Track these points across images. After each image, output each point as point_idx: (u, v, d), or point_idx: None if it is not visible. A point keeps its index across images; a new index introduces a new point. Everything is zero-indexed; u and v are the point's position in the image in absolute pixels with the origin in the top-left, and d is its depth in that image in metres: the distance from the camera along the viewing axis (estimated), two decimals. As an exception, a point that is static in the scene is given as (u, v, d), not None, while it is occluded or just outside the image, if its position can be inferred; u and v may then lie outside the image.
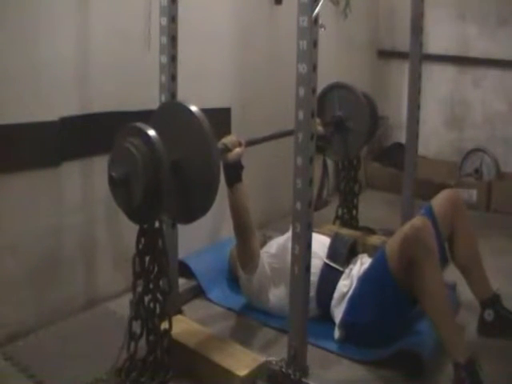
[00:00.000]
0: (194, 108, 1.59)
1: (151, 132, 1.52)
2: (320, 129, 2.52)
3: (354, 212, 2.97)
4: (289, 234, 2.18)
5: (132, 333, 1.65)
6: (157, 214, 1.57)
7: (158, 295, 1.64)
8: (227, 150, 1.88)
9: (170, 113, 1.66)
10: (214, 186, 1.56)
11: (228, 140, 1.91)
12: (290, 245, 2.04)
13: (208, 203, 1.59)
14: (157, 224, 1.60)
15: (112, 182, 1.53)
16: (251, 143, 2.04)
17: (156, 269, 1.62)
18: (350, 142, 2.73)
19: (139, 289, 1.64)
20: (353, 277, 2.03)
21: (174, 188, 1.58)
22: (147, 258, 1.62)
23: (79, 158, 2.16)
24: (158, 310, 1.64)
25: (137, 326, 1.66)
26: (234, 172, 1.93)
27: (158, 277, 1.63)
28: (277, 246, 2.19)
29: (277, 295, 2.10)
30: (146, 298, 1.64)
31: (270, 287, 2.11)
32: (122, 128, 1.58)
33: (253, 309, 2.20)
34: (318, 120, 2.50)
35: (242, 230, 2.02)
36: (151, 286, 1.64)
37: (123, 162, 1.52)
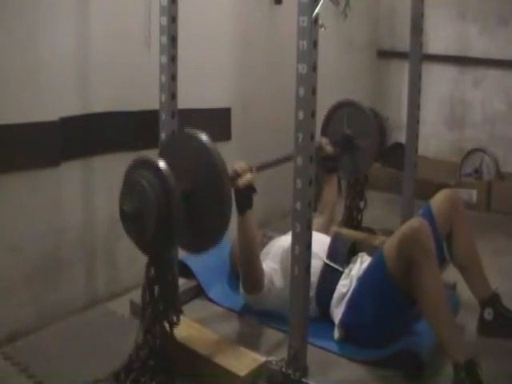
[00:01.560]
0: (204, 138, 1.59)
1: (161, 164, 1.51)
2: (329, 149, 2.54)
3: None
4: (287, 237, 2.18)
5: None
6: (169, 246, 1.57)
7: (166, 326, 1.63)
8: (238, 176, 1.87)
9: (180, 143, 1.66)
10: (226, 216, 1.57)
11: (238, 166, 1.89)
12: (282, 246, 2.06)
13: (221, 233, 1.59)
14: (167, 255, 1.60)
15: (124, 216, 1.53)
16: (262, 168, 2.04)
17: (165, 299, 1.62)
18: (358, 160, 2.73)
19: (147, 317, 1.63)
20: (352, 277, 2.03)
21: (186, 218, 1.56)
22: (156, 288, 1.62)
23: (79, 158, 2.16)
24: (165, 338, 1.64)
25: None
26: (246, 198, 1.90)
27: (166, 308, 1.62)
28: (275, 248, 2.19)
29: (278, 297, 2.09)
30: (154, 327, 1.63)
31: (271, 292, 2.10)
32: (132, 160, 1.58)
33: (253, 309, 2.20)
34: (326, 140, 2.53)
35: (248, 256, 1.97)
36: (159, 315, 1.63)
37: (134, 196, 1.52)
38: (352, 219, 2.95)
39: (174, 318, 1.65)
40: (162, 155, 1.62)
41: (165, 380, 1.65)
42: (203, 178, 1.59)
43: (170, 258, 1.62)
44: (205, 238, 1.63)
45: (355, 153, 2.70)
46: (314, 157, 1.63)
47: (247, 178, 1.87)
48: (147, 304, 1.62)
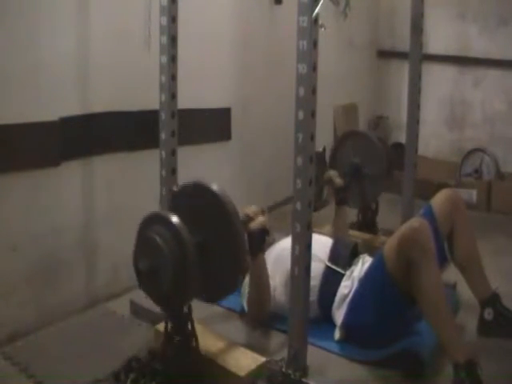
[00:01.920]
0: (215, 187, 1.58)
1: (174, 219, 1.51)
2: (339, 181, 2.55)
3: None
4: (285, 242, 2.18)
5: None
6: (186, 299, 1.57)
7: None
8: (250, 220, 1.88)
9: (191, 194, 1.65)
10: (241, 266, 1.57)
11: (250, 210, 1.91)
12: (281, 249, 2.05)
13: (236, 281, 1.61)
14: (185, 309, 1.60)
15: (139, 273, 1.53)
16: (273, 208, 2.07)
17: (186, 357, 1.62)
18: (368, 188, 2.73)
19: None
20: (354, 278, 2.02)
21: (201, 269, 1.56)
22: (176, 339, 1.62)
23: (79, 158, 2.16)
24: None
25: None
26: (258, 241, 1.90)
27: (187, 359, 1.62)
28: (272, 256, 2.19)
29: (279, 301, 2.09)
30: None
31: (276, 303, 2.10)
32: (145, 217, 1.57)
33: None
34: (335, 173, 2.55)
35: (259, 296, 1.99)
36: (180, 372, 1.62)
37: (149, 253, 1.52)
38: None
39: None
40: (174, 207, 1.62)
41: (165, 381, 1.66)
42: (217, 228, 1.58)
43: (189, 313, 1.61)
44: (220, 288, 1.63)
45: (364, 181, 2.71)
46: (315, 158, 1.64)
47: (259, 221, 1.89)
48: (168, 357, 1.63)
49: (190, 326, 1.63)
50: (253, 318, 2.08)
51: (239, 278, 1.61)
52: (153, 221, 1.55)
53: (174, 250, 1.48)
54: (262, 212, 1.93)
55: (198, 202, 1.61)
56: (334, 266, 2.06)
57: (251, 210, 1.91)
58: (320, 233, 2.25)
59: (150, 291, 1.58)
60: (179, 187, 1.70)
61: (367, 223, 2.89)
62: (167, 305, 1.59)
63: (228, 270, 1.58)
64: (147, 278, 1.53)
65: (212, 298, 1.69)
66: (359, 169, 2.70)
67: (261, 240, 1.91)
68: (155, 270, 1.51)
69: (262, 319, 2.05)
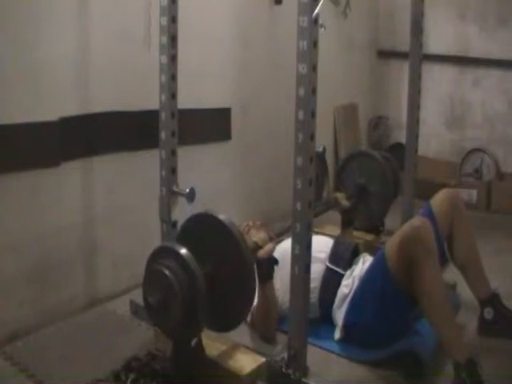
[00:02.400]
0: (222, 218, 1.59)
1: (183, 251, 1.51)
2: (345, 203, 2.57)
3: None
4: (286, 243, 2.18)
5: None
6: (196, 331, 1.57)
7: None
8: (258, 247, 1.89)
9: (199, 224, 1.66)
10: (250, 295, 1.58)
11: (258, 237, 1.92)
12: (281, 251, 2.05)
13: (245, 310, 1.61)
14: (194, 341, 1.60)
15: (149, 307, 1.53)
16: (280, 234, 2.07)
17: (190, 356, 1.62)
18: (374, 208, 2.73)
19: None
20: (354, 277, 2.02)
21: (210, 300, 1.56)
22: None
23: (79, 158, 2.16)
24: None
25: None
26: (267, 268, 1.91)
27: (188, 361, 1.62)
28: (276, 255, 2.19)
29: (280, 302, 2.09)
30: None
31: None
32: (154, 249, 1.57)
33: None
34: (341, 195, 2.58)
35: (266, 322, 1.99)
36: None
37: (158, 286, 1.52)
38: None
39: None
40: (181, 238, 1.63)
41: (165, 380, 1.66)
42: (225, 258, 1.59)
43: (200, 344, 1.62)
44: (230, 317, 1.64)
45: (370, 201, 2.72)
46: (315, 158, 1.64)
47: (268, 248, 1.90)
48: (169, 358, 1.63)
49: (200, 358, 1.62)
50: (256, 331, 2.06)
51: (248, 308, 1.61)
52: (161, 253, 1.55)
53: (183, 282, 1.49)
54: (271, 239, 1.94)
55: (206, 232, 1.62)
56: (334, 267, 2.06)
57: (259, 237, 1.92)
58: (320, 233, 2.25)
59: (160, 324, 1.58)
60: (188, 218, 1.69)
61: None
62: (177, 337, 1.59)
63: (237, 300, 1.60)
64: (157, 311, 1.53)
65: (222, 327, 1.70)
66: (365, 189, 2.71)
67: (269, 268, 1.91)
68: (165, 303, 1.51)
69: (266, 335, 2.04)
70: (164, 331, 1.60)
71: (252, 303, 1.60)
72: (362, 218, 2.76)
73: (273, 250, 1.92)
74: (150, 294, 1.54)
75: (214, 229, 1.60)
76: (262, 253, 1.89)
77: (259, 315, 1.99)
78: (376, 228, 2.82)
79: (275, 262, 1.92)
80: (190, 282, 1.49)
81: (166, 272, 1.49)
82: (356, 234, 2.78)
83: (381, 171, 2.69)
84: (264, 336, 2.03)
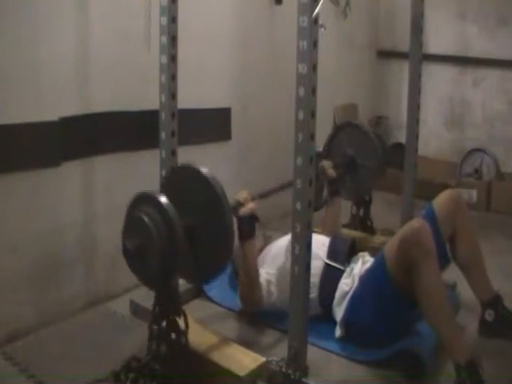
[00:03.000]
0: (204, 170, 1.59)
1: (163, 199, 1.51)
2: (331, 172, 2.54)
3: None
4: (284, 239, 2.18)
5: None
6: (172, 279, 1.58)
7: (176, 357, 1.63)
8: (240, 205, 1.90)
9: (182, 176, 1.66)
10: (228, 249, 1.58)
11: (240, 196, 1.93)
12: (283, 248, 2.06)
13: (223, 264, 1.61)
14: (173, 288, 1.61)
15: (127, 253, 1.53)
16: (263, 196, 2.07)
17: (174, 335, 1.62)
18: (361, 180, 2.72)
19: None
20: (354, 276, 2.03)
21: (189, 251, 1.58)
22: (164, 323, 1.62)
23: (79, 158, 2.16)
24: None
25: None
26: (247, 228, 1.93)
27: (177, 339, 1.62)
28: (270, 254, 2.19)
29: (278, 300, 2.09)
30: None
31: (270, 296, 2.10)
32: (134, 196, 1.58)
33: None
34: (328, 163, 2.53)
35: (248, 282, 2.00)
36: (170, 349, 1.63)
37: (137, 232, 1.52)
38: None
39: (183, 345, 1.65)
40: (164, 189, 1.63)
41: (165, 380, 1.66)
42: (205, 211, 1.59)
43: (176, 291, 1.63)
44: (208, 270, 1.64)
45: (358, 173, 2.70)
46: (315, 158, 1.64)
47: (249, 207, 1.91)
48: (155, 339, 1.63)
49: (177, 307, 1.62)
50: (245, 305, 2.08)
51: (226, 262, 1.60)
52: (142, 200, 1.55)
53: (162, 230, 1.49)
54: (253, 198, 1.95)
55: (188, 184, 1.62)
56: (332, 263, 2.07)
57: (242, 196, 1.93)
58: (318, 233, 2.25)
59: (137, 270, 1.58)
60: (170, 170, 1.69)
61: (361, 217, 2.89)
62: (154, 285, 1.59)
63: (215, 254, 1.59)
64: (135, 257, 1.53)
65: (199, 280, 1.71)
66: (353, 160, 2.69)
67: (250, 226, 1.93)
68: (143, 249, 1.51)
69: (254, 305, 2.05)
70: (140, 278, 1.59)
71: (229, 258, 1.60)
72: (350, 189, 2.75)
73: (254, 208, 1.93)
74: (128, 239, 1.53)
75: (196, 182, 1.60)
76: (243, 210, 1.90)
77: (241, 276, 2.00)
78: (363, 201, 2.83)
79: (256, 219, 1.93)
80: (168, 230, 1.49)
81: (145, 219, 1.49)
82: (350, 232, 2.78)
83: (370, 144, 2.67)
84: (249, 305, 2.05)
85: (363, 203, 2.86)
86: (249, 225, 1.93)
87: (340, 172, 2.63)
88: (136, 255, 1.52)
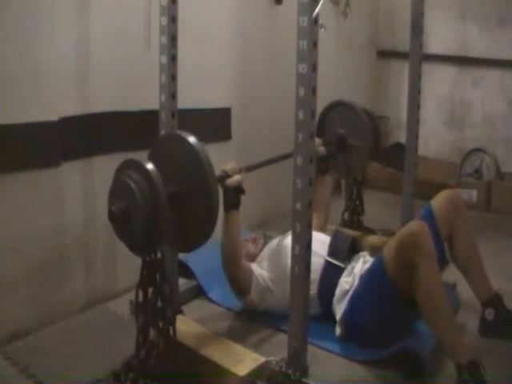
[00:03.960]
0: (191, 139, 1.61)
1: (149, 166, 1.53)
2: (321, 149, 2.53)
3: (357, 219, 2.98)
4: (282, 237, 2.18)
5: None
6: (157, 245, 1.59)
7: (163, 325, 1.63)
8: (227, 176, 1.92)
9: (169, 144, 1.69)
10: (212, 217, 1.59)
11: (228, 167, 1.95)
12: (284, 246, 2.06)
13: (207, 234, 1.62)
14: (158, 255, 1.62)
15: (112, 216, 1.55)
16: (251, 169, 2.09)
17: (159, 299, 1.63)
18: (353, 159, 2.73)
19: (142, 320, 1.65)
20: (355, 275, 2.03)
21: (174, 219, 1.60)
22: (150, 290, 1.63)
23: (79, 158, 2.16)
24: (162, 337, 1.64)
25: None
26: (233, 198, 1.95)
27: (162, 307, 1.63)
28: (270, 251, 2.19)
29: (279, 298, 2.09)
30: (149, 327, 1.64)
31: (270, 294, 2.11)
32: (122, 161, 1.60)
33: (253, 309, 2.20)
34: (318, 140, 2.51)
35: (231, 254, 2.00)
36: (155, 316, 1.64)
37: (122, 196, 1.54)
38: (352, 221, 2.96)
39: (169, 316, 1.65)
40: (152, 156, 1.65)
41: (165, 380, 1.66)
42: (190, 179, 1.61)
43: (162, 259, 1.62)
44: (192, 238, 1.66)
45: (349, 152, 2.70)
46: (315, 158, 1.64)
47: (236, 178, 1.93)
48: (141, 305, 1.64)
49: (162, 274, 1.63)
50: (232, 285, 2.08)
51: (209, 230, 1.61)
52: (129, 166, 1.57)
53: (147, 196, 1.51)
54: (240, 170, 1.97)
55: (175, 152, 1.64)
56: (333, 260, 2.07)
57: (229, 167, 1.95)
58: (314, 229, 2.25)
59: (122, 235, 1.59)
60: (159, 137, 1.71)
61: (353, 199, 2.93)
62: (138, 250, 1.61)
63: (200, 222, 1.61)
64: (119, 221, 1.55)
65: (183, 248, 1.73)
66: (344, 139, 2.69)
67: (235, 197, 1.95)
68: (127, 213, 1.53)
69: (240, 284, 2.06)
70: (126, 244, 1.61)
71: (213, 227, 1.60)
72: (341, 169, 2.77)
73: (240, 180, 1.94)
74: (113, 203, 1.55)
75: (182, 150, 1.62)
76: (229, 181, 1.92)
77: (223, 248, 2.00)
78: (355, 179, 2.87)
79: (241, 191, 1.95)
80: (152, 195, 1.51)
81: (131, 183, 1.52)
82: (348, 231, 2.78)
83: (361, 123, 2.67)
84: (235, 281, 2.05)
85: (355, 183, 2.89)
86: (234, 196, 1.94)
87: (330, 150, 2.62)
88: (120, 219, 1.54)
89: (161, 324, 1.63)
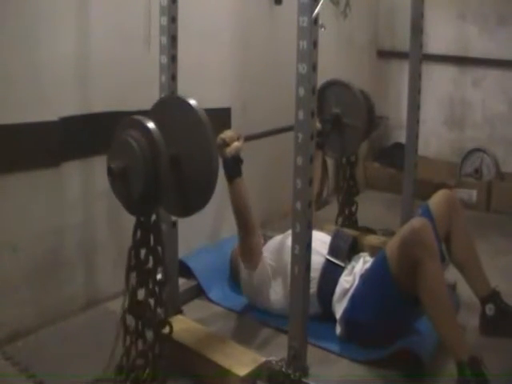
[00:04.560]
0: (192, 102, 1.58)
1: (150, 125, 1.51)
2: (317, 125, 2.52)
3: (354, 208, 2.97)
4: (287, 233, 2.18)
5: (126, 326, 1.64)
6: (154, 206, 1.57)
7: (155, 287, 1.62)
8: (226, 144, 1.91)
9: (170, 107, 1.65)
10: (212, 181, 1.56)
11: (226, 135, 1.93)
12: (287, 243, 2.06)
13: (205, 198, 1.59)
14: (154, 217, 1.60)
15: (111, 173, 1.52)
16: (250, 138, 2.06)
17: (152, 261, 1.62)
18: (347, 139, 2.72)
19: (133, 282, 1.62)
20: (355, 274, 2.03)
21: (173, 182, 1.57)
22: (143, 251, 1.61)
23: (79, 158, 2.16)
24: (153, 304, 1.62)
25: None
26: (233, 166, 1.94)
27: (154, 268, 1.62)
28: (274, 245, 2.20)
29: (277, 294, 2.10)
30: (141, 292, 1.62)
31: (269, 286, 2.12)
32: (122, 120, 1.58)
33: (253, 309, 2.21)
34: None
35: (243, 224, 2.02)
36: (147, 278, 1.62)
37: (122, 154, 1.52)
38: (346, 200, 2.97)
39: (163, 279, 1.64)
40: (153, 117, 1.61)
41: (162, 376, 1.66)
42: (191, 141, 1.58)
43: (157, 221, 1.60)
44: (190, 202, 1.64)
45: (344, 132, 2.70)
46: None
47: (234, 146, 1.91)
48: (133, 267, 1.62)
49: (157, 236, 1.61)
50: (244, 255, 2.10)
51: (209, 194, 1.58)
52: (130, 125, 1.55)
53: (147, 155, 1.48)
54: (238, 138, 1.95)
55: (176, 115, 1.61)
56: (333, 259, 2.07)
57: (228, 134, 1.93)
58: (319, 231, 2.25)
59: (120, 193, 1.57)
60: (161, 98, 1.69)
61: (347, 179, 2.93)
62: (136, 211, 1.59)
63: (199, 186, 1.58)
64: (118, 179, 1.53)
65: (180, 212, 1.69)
66: (340, 118, 2.69)
67: (235, 165, 1.94)
68: (127, 172, 1.51)
69: (252, 255, 2.06)
70: (123, 204, 1.58)
71: (212, 191, 1.57)
72: (335, 147, 2.77)
73: (239, 148, 1.93)
74: (112, 161, 1.53)
75: (183, 112, 1.59)
76: (228, 150, 1.91)
77: (235, 215, 2.00)
78: (348, 159, 2.89)
79: (240, 161, 1.95)
80: (152, 154, 1.48)
81: (131, 141, 1.50)
82: (349, 231, 2.78)
83: (356, 103, 2.66)
84: (246, 246, 2.05)
85: (349, 164, 2.90)
86: (234, 164, 1.94)
87: (325, 128, 2.63)
88: (119, 177, 1.52)
89: (151, 285, 1.61)
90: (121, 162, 1.51)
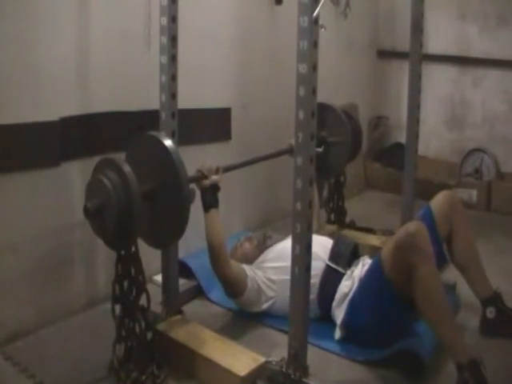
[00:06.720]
0: (167, 142, 1.67)
1: (124, 166, 1.60)
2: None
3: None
4: (286, 240, 2.18)
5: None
6: (130, 241, 1.66)
7: (139, 315, 1.70)
8: (203, 176, 1.95)
9: (145, 144, 1.75)
10: (183, 217, 1.65)
11: (204, 168, 1.96)
12: (288, 245, 2.06)
13: (179, 231, 1.68)
14: (133, 249, 1.67)
15: (86, 211, 1.60)
16: (229, 169, 2.11)
17: (134, 291, 1.70)
18: (334, 160, 2.72)
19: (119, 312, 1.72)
20: (354, 278, 2.03)
21: (148, 216, 1.67)
22: (126, 283, 1.70)
23: (79, 158, 2.16)
24: (138, 329, 1.71)
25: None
26: (210, 198, 1.97)
27: (136, 298, 1.70)
28: (275, 249, 2.20)
29: (278, 303, 2.09)
30: (127, 320, 1.71)
31: (261, 302, 2.11)
32: (100, 160, 1.67)
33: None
34: None
35: (215, 254, 1.99)
36: (131, 307, 1.70)
37: (98, 194, 1.60)
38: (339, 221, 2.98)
39: (145, 305, 1.72)
40: (129, 155, 1.72)
41: (155, 373, 1.70)
42: (164, 178, 1.67)
43: (136, 253, 1.68)
44: (165, 234, 1.73)
45: (329, 154, 2.68)
46: (315, 158, 1.64)
47: (212, 179, 1.95)
48: (117, 299, 1.71)
49: (137, 268, 1.70)
50: (225, 287, 2.09)
51: (182, 228, 1.67)
52: (106, 165, 1.63)
53: (121, 194, 1.57)
54: (217, 170, 1.98)
55: (150, 152, 1.71)
56: (334, 265, 2.07)
57: (205, 168, 1.96)
58: (320, 234, 2.25)
59: (97, 230, 1.66)
60: (136, 137, 1.79)
61: (336, 196, 2.95)
62: (114, 245, 1.67)
63: (172, 219, 1.67)
64: (95, 217, 1.62)
65: (157, 244, 1.79)
66: (325, 141, 2.68)
67: (212, 196, 1.97)
68: (101, 210, 1.59)
69: (225, 276, 2.04)
70: (102, 239, 1.67)
71: (185, 224, 1.66)
72: (322, 170, 2.75)
73: (217, 180, 1.97)
74: (88, 200, 1.62)
75: (156, 150, 1.69)
76: (206, 182, 1.94)
77: (208, 247, 2.00)
78: (337, 180, 2.90)
79: (217, 189, 1.99)
80: (127, 195, 1.57)
81: (105, 181, 1.58)
82: (349, 232, 2.78)
83: (341, 125, 2.67)
84: (225, 281, 2.05)
85: (337, 184, 2.92)
86: (211, 195, 1.97)
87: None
88: (95, 215, 1.60)
89: (137, 313, 1.70)
90: (96, 201, 1.60)
